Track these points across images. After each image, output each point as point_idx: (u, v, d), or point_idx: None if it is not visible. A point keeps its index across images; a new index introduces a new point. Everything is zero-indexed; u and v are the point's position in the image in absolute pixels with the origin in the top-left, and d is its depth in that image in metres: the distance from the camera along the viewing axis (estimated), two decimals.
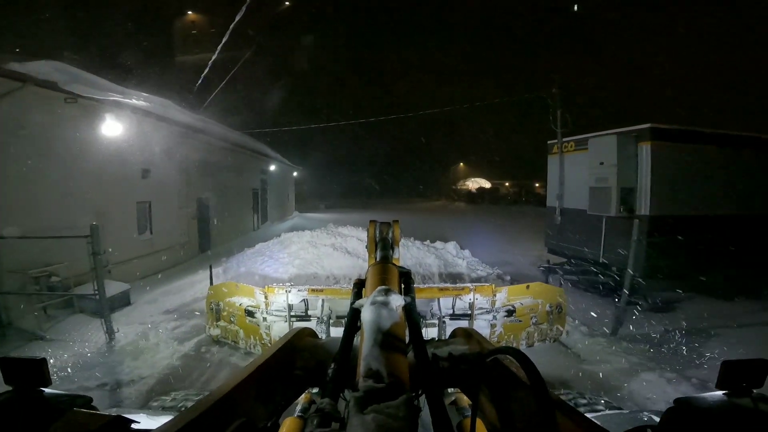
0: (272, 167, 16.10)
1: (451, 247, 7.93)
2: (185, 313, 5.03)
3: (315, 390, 0.93)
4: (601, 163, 5.88)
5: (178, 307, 5.32)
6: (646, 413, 1.15)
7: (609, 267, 5.86)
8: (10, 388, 0.59)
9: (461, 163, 43.17)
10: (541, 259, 7.97)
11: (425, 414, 0.54)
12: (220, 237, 10.45)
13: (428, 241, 8.16)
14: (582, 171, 6.52)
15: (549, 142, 7.91)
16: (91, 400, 0.63)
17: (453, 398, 1.08)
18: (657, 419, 0.58)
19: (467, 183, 39.85)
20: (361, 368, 0.56)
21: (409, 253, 6.78)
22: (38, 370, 0.59)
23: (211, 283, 3.72)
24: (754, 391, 0.53)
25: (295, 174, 21.85)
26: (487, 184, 39.31)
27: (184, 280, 6.72)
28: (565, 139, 7.51)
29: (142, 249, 7.02)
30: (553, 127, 7.95)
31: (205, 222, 9.87)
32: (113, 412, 0.61)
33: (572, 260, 6.86)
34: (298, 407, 0.99)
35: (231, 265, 6.92)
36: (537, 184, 35.54)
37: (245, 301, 3.22)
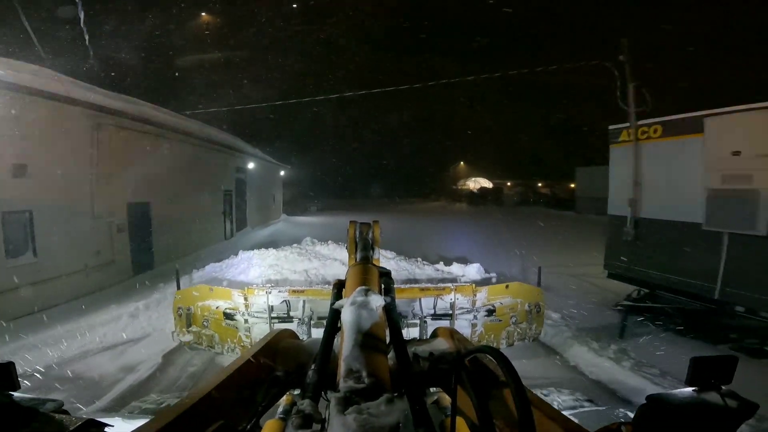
0: (251, 165, 17.72)
1: (474, 271, 7.95)
2: (50, 380, 4.39)
3: (296, 392, 1.19)
4: (736, 153, 5.40)
5: (44, 368, 4.66)
6: (621, 410, 1.54)
7: (729, 305, 5.55)
8: None
9: (461, 162, 51.34)
10: (602, 287, 7.57)
11: (406, 414, 0.72)
12: (170, 251, 10.42)
13: (442, 263, 8.28)
14: (684, 165, 6.14)
15: (612, 127, 7.47)
16: (62, 404, 0.81)
17: (435, 398, 1.38)
18: (631, 415, 0.78)
19: (468, 183, 47.18)
20: (342, 369, 0.78)
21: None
22: (6, 374, 0.78)
23: (179, 287, 4.57)
24: (723, 387, 0.76)
25: (282, 173, 24.75)
26: (488, 184, 46.12)
27: (87, 319, 6.19)
28: (643, 123, 6.98)
29: (18, 277, 6.48)
30: (622, 105, 7.59)
31: (144, 233, 9.72)
32: (86, 416, 0.76)
33: (656, 293, 6.49)
34: (280, 409, 1.25)
35: (151, 301, 6.73)
36: (540, 184, 42.71)
37: (222, 304, 4.10)
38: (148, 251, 9.91)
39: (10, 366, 0.81)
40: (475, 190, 44.35)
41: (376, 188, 42.04)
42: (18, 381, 0.81)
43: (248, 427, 0.94)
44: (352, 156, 48.63)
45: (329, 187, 39.26)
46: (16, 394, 0.81)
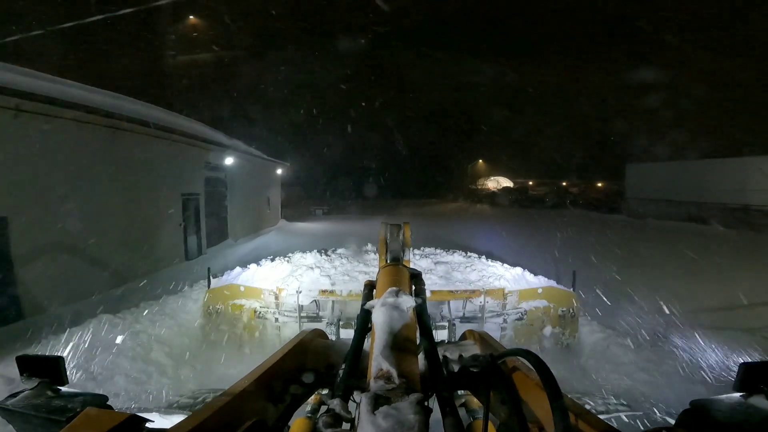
0: (232, 161, 14.08)
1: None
2: None
3: (325, 391, 1.24)
4: None
5: None
6: (660, 415, 1.54)
7: None
8: (27, 386, 0.87)
9: (480, 160, 50.46)
10: None
11: (436, 415, 0.75)
12: (68, 288, 7.04)
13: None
14: None
15: None
16: (106, 398, 0.90)
17: (463, 400, 1.43)
18: (672, 421, 0.79)
19: (487, 182, 46.26)
20: (372, 369, 0.82)
21: None
22: (55, 368, 0.88)
23: (209, 285, 4.82)
24: None
25: (279, 171, 21.76)
26: (509, 183, 45.13)
27: None
28: None
29: None
30: None
31: None
32: (128, 411, 0.83)
33: None
34: (308, 408, 1.32)
35: None
36: (564, 183, 40.95)
37: (253, 303, 4.42)
38: (8, 295, 6.55)
39: (59, 361, 0.91)
40: (497, 190, 43.30)
41: (388, 188, 40.87)
42: (66, 375, 0.91)
43: (279, 425, 1.01)
44: (363, 154, 47.46)
45: (338, 187, 38.35)
46: (63, 388, 0.90)
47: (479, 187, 45.93)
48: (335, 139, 42.76)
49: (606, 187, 36.57)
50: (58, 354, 4.46)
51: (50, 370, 0.89)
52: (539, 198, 36.71)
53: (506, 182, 46.31)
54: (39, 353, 4.32)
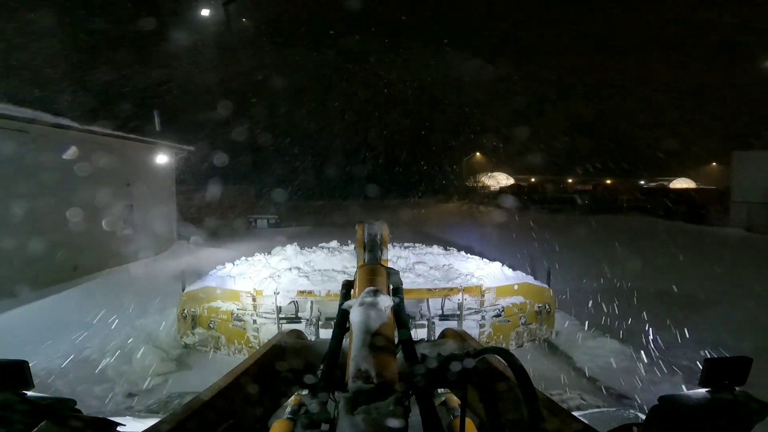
0: None
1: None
2: None
3: (304, 392, 1.27)
4: None
5: None
6: (632, 411, 1.63)
7: None
8: None
9: (477, 153, 45.01)
10: None
11: (415, 414, 0.80)
12: None
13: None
14: None
15: None
16: (74, 402, 0.89)
17: (443, 398, 1.48)
18: (643, 417, 0.85)
19: (485, 179, 41.93)
20: (351, 369, 0.85)
21: None
22: (20, 373, 0.87)
23: (183, 288, 4.85)
24: (737, 388, 0.83)
25: (165, 160, 14.09)
26: (510, 181, 41.87)
27: None
28: None
29: None
30: None
31: None
32: (98, 415, 0.84)
33: None
34: (288, 409, 1.34)
35: None
36: (570, 180, 37.34)
37: (230, 306, 4.52)
38: None
39: (23, 365, 0.89)
40: (502, 188, 38.61)
41: (362, 185, 32.62)
42: (32, 380, 0.90)
43: (257, 426, 1.04)
44: (328, 148, 38.13)
45: (297, 187, 30.86)
46: (29, 393, 0.89)
47: (478, 184, 41.26)
48: (296, 130, 35.79)
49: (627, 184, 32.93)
50: None
51: (15, 374, 0.89)
52: (567, 199, 30.95)
53: (506, 179, 42.95)
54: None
